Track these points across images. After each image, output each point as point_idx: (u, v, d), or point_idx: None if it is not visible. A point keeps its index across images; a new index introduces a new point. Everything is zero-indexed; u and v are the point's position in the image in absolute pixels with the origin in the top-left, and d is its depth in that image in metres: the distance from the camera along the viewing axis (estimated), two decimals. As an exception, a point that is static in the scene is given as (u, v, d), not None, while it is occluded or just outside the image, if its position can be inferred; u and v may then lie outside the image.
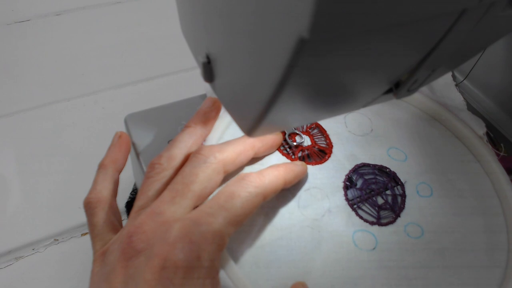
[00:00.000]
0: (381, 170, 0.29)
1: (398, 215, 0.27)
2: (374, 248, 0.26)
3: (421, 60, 0.17)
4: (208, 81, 0.22)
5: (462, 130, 0.32)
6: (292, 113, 0.20)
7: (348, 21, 0.12)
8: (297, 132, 0.31)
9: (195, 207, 0.24)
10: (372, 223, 0.27)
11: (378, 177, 0.29)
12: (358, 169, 0.30)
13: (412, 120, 0.33)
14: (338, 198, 0.28)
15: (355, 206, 0.28)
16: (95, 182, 0.26)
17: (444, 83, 0.34)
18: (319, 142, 0.31)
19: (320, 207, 0.28)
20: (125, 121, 0.33)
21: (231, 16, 0.16)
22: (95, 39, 0.58)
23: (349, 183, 0.29)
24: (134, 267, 0.20)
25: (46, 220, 0.39)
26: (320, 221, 0.27)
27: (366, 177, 0.29)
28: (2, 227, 0.39)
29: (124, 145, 0.28)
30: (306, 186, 0.29)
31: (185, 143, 0.26)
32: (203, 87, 0.32)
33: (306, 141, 0.31)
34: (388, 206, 0.28)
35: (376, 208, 0.28)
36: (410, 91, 0.20)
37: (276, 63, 0.14)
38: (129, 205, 0.39)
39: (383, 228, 0.27)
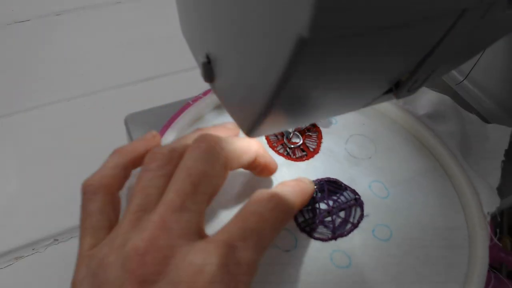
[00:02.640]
0: (353, 192, 0.28)
1: (334, 238, 0.26)
2: (288, 250, 0.25)
3: (422, 60, 0.17)
4: (208, 81, 0.22)
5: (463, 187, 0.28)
6: (292, 113, 0.20)
7: (348, 21, 0.12)
8: (296, 132, 0.31)
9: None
10: (301, 230, 0.26)
11: (341, 198, 0.27)
12: (327, 182, 0.28)
13: (416, 164, 0.30)
14: None
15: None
16: (104, 165, 0.23)
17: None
18: (307, 141, 0.31)
19: None
20: (125, 121, 0.33)
21: (231, 16, 0.16)
22: (95, 39, 0.58)
23: None
24: None
25: (46, 220, 0.39)
26: None
27: (331, 194, 0.28)
28: (2, 227, 0.39)
29: (153, 144, 0.25)
30: None
31: (191, 139, 0.23)
32: (203, 87, 0.32)
33: (299, 137, 0.31)
34: (330, 225, 0.26)
35: (317, 221, 0.26)
36: (410, 91, 0.20)
37: (276, 62, 0.14)
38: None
39: (313, 240, 0.25)
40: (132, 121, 0.32)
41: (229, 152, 0.22)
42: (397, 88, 0.20)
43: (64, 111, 0.49)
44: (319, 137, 0.31)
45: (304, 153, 0.30)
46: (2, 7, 0.60)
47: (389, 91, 0.20)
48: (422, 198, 0.28)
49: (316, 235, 0.26)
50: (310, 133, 0.31)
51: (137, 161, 0.24)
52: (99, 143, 0.41)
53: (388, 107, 0.33)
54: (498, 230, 0.27)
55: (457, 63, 0.22)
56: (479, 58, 0.36)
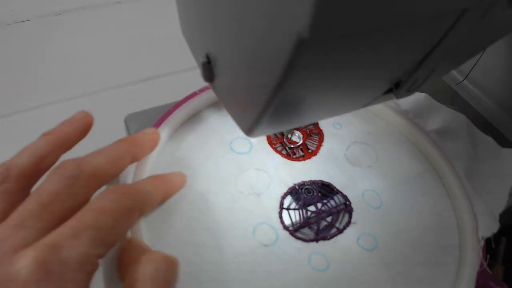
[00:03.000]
0: (344, 198, 0.28)
1: (316, 240, 0.25)
2: (267, 245, 0.25)
3: (422, 60, 0.17)
4: (208, 81, 0.22)
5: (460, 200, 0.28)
6: (292, 113, 0.20)
7: (348, 21, 0.12)
8: (297, 133, 0.31)
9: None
10: (284, 227, 0.26)
11: (330, 202, 0.27)
12: (320, 185, 0.28)
13: (416, 182, 0.30)
14: (274, 193, 0.27)
15: (283, 207, 0.27)
16: (25, 148, 0.22)
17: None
18: (308, 142, 0.31)
19: (255, 186, 0.27)
20: (125, 121, 0.33)
21: (231, 16, 0.16)
22: (95, 39, 0.58)
23: (298, 187, 0.28)
24: None
25: (46, 220, 0.39)
26: (245, 196, 0.27)
27: (322, 197, 0.28)
28: (2, 227, 0.39)
29: (83, 124, 0.24)
30: (259, 166, 0.28)
31: (35, 151, 0.22)
32: (201, 88, 0.32)
33: (299, 137, 0.31)
34: (314, 227, 0.26)
35: (301, 221, 0.26)
36: (410, 91, 0.20)
37: (275, 63, 0.14)
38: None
39: (294, 239, 0.25)
40: (132, 121, 0.32)
41: (91, 173, 0.21)
42: (397, 88, 0.20)
43: (64, 111, 0.49)
44: (320, 139, 0.31)
45: (303, 153, 0.30)
46: (2, 7, 0.60)
47: (389, 91, 0.20)
48: (415, 216, 0.28)
49: (298, 234, 0.26)
50: (312, 135, 0.31)
51: (66, 145, 0.23)
52: (99, 143, 0.41)
53: (397, 119, 0.32)
54: (488, 256, 0.26)
55: (457, 63, 0.22)
56: (479, 58, 0.36)
